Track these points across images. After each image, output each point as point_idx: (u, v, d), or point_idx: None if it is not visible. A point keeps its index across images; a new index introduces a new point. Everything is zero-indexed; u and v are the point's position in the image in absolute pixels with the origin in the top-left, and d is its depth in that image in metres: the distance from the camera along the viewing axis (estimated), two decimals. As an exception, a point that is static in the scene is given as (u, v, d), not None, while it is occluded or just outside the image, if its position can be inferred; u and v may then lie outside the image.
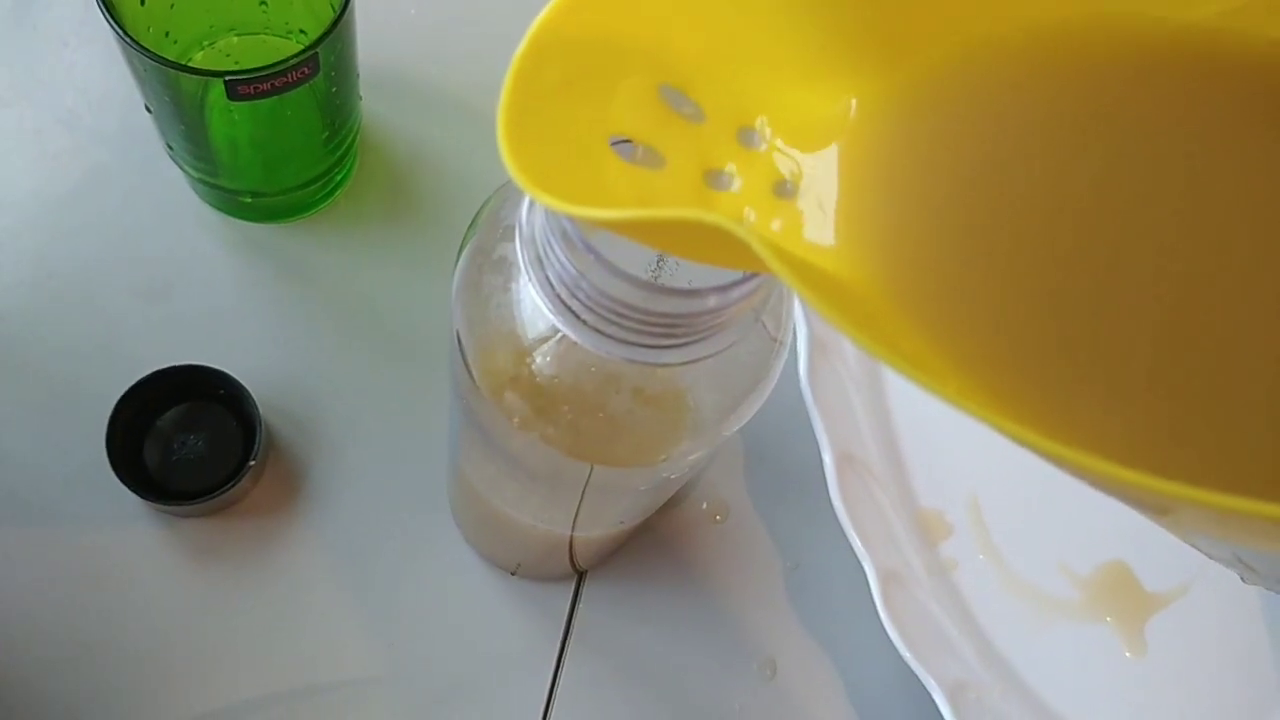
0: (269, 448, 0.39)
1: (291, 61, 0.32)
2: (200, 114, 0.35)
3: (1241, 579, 0.20)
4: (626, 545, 0.39)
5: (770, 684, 0.39)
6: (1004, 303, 0.16)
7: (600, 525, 0.33)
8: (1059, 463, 0.12)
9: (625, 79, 0.17)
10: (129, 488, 0.35)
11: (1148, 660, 0.39)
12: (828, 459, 0.37)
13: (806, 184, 0.17)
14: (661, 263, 0.23)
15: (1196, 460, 0.14)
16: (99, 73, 0.44)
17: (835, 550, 0.38)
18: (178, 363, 0.37)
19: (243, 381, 0.37)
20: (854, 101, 0.17)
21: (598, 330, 0.20)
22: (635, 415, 0.23)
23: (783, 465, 0.41)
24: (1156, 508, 0.13)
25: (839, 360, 0.39)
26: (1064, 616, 0.39)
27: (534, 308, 0.21)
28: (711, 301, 0.19)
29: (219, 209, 0.42)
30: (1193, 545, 0.17)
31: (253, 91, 0.33)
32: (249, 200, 0.41)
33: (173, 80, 0.33)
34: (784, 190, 0.17)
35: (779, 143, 0.17)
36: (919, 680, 0.35)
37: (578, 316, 0.20)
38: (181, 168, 0.39)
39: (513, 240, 0.21)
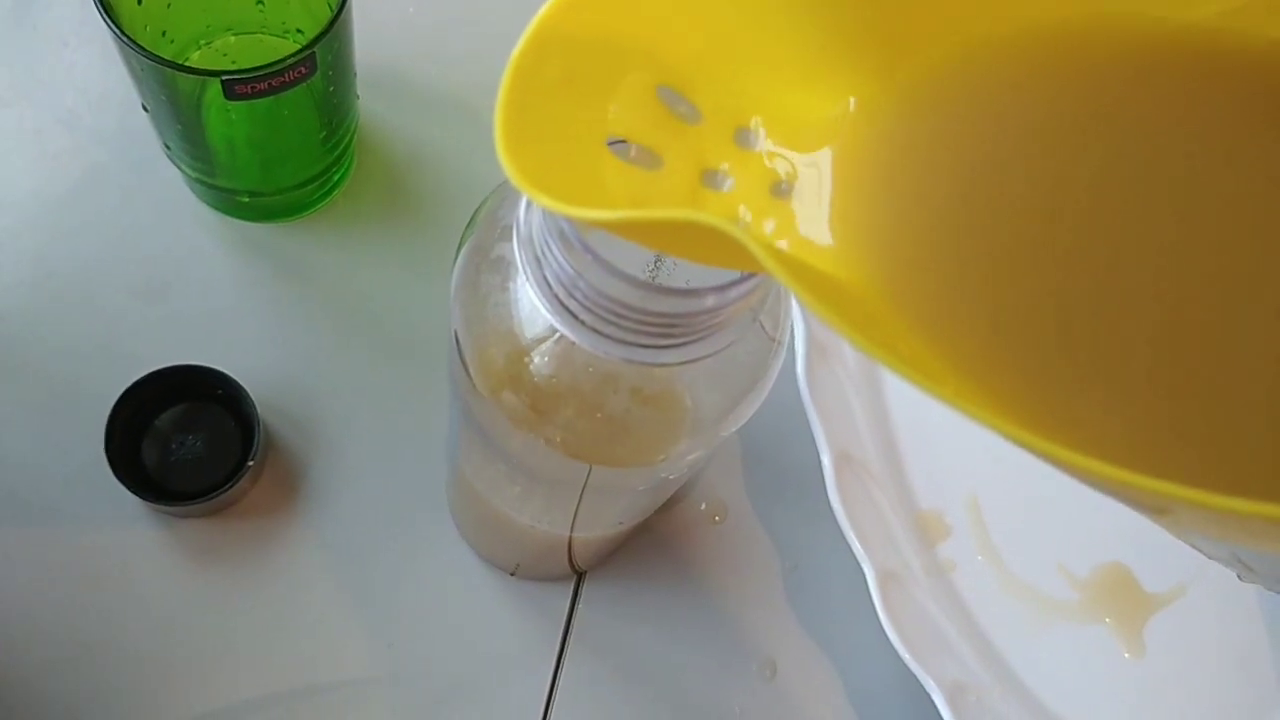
0: (267, 448, 0.39)
1: (289, 61, 0.32)
2: (197, 113, 0.35)
3: (1239, 577, 0.20)
4: (625, 546, 0.39)
5: (770, 684, 0.39)
6: (1003, 303, 0.16)
7: (599, 526, 0.33)
8: (1057, 464, 0.12)
9: (623, 78, 0.17)
10: (128, 488, 0.35)
11: (1147, 661, 0.39)
12: (826, 459, 0.37)
13: (802, 184, 0.17)
14: (659, 263, 0.23)
15: (1196, 460, 0.14)
16: (98, 73, 0.43)
17: (834, 551, 0.38)
18: (176, 363, 0.37)
19: (241, 381, 0.37)
20: (853, 101, 0.17)
21: (595, 330, 0.20)
22: (633, 415, 0.23)
23: (781, 466, 0.41)
24: (1155, 508, 0.13)
25: (837, 360, 0.39)
26: (1063, 617, 0.39)
27: (532, 307, 0.21)
28: (709, 301, 0.19)
29: (217, 209, 0.42)
30: (1191, 545, 0.17)
31: (250, 91, 0.33)
32: (247, 200, 0.41)
33: (169, 80, 0.33)
34: (780, 191, 0.17)
35: (775, 144, 0.17)
36: (918, 681, 0.35)
37: (575, 316, 0.20)
38: (179, 167, 0.39)
39: (510, 240, 0.21)
